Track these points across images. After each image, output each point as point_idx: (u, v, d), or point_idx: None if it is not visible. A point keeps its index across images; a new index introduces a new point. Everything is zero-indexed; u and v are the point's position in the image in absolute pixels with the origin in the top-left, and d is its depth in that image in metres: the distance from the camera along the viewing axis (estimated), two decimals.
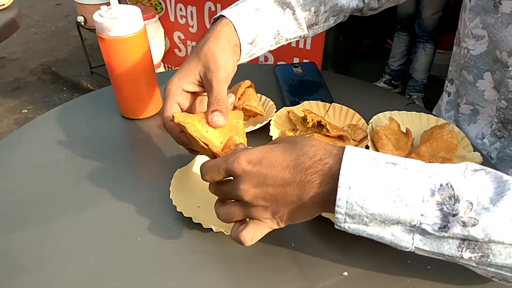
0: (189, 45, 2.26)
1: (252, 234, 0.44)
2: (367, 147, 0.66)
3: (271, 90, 0.82)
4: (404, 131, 0.68)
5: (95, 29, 0.69)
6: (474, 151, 0.64)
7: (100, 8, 0.68)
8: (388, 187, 0.37)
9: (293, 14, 0.65)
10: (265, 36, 0.63)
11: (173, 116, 0.49)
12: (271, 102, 0.76)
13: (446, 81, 0.83)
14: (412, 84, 2.28)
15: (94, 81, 2.78)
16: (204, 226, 0.53)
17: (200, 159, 0.64)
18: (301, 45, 1.94)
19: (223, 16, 0.59)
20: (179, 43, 2.29)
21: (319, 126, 0.67)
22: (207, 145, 0.49)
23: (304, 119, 0.70)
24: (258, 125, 0.69)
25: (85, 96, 0.85)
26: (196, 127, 0.50)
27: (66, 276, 0.50)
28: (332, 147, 0.42)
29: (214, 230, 0.52)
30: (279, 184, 0.41)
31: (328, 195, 0.40)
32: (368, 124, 0.69)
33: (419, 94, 2.28)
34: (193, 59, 0.55)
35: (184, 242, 0.54)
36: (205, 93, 0.55)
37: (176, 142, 0.55)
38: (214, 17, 0.60)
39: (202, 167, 0.46)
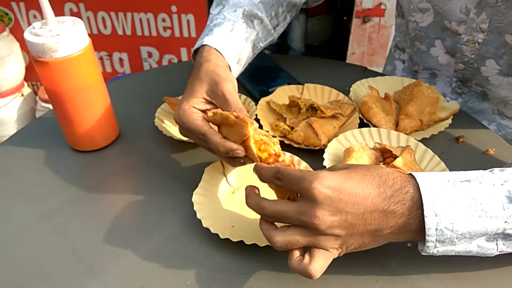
0: None
1: (322, 266, 0.40)
2: (360, 119, 0.66)
3: None
4: (383, 96, 0.70)
5: None
6: None
7: (32, 26, 0.54)
8: (471, 204, 0.39)
9: (261, 23, 0.67)
10: (246, 52, 0.64)
11: (206, 113, 0.51)
12: (244, 96, 0.71)
13: (397, 50, 0.89)
14: (292, 54, 2.39)
15: None
16: (260, 246, 0.48)
17: (207, 177, 0.57)
18: (185, 34, 1.87)
19: (205, 44, 0.59)
20: None
21: (311, 109, 0.66)
22: (245, 122, 0.46)
23: (290, 106, 0.67)
24: None
25: (9, 141, 0.68)
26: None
27: None
28: (404, 175, 0.41)
29: (261, 246, 0.48)
30: (360, 212, 0.39)
31: (410, 224, 0.40)
32: (349, 98, 0.70)
33: None
34: (194, 81, 0.54)
35: (241, 268, 0.48)
36: (214, 109, 0.53)
37: (219, 151, 0.49)
38: (194, 48, 0.60)
39: (275, 170, 0.43)
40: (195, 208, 0.52)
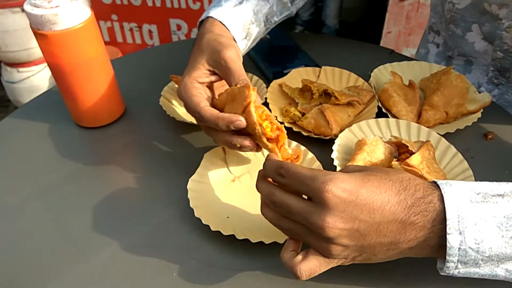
0: None
1: (312, 270, 0.36)
2: (378, 108, 0.61)
3: (244, 64, 0.72)
4: (407, 84, 0.64)
5: None
6: None
7: None
8: (502, 223, 0.34)
9: None
10: (257, 27, 0.61)
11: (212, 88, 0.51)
12: (255, 77, 0.67)
13: (431, 32, 0.81)
14: (325, 31, 2.30)
15: None
16: (252, 242, 0.44)
17: (206, 163, 0.54)
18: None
19: (210, 16, 0.55)
20: None
21: (325, 95, 0.61)
22: (247, 86, 0.45)
23: (302, 90, 0.63)
24: None
25: (19, 112, 0.67)
26: None
27: None
28: (427, 182, 0.36)
29: (266, 243, 0.45)
30: (375, 221, 0.34)
31: (430, 239, 0.35)
32: (369, 83, 0.65)
33: None
34: (196, 53, 0.52)
35: (229, 263, 0.45)
36: (219, 81, 0.51)
37: (217, 128, 0.47)
38: (200, 19, 0.58)
39: (279, 164, 0.37)
40: (189, 196, 0.49)
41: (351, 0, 2.30)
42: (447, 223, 0.34)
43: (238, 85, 0.47)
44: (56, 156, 0.59)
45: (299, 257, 0.37)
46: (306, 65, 0.70)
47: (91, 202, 0.52)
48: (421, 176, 0.47)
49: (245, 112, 0.45)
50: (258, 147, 0.50)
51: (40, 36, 0.53)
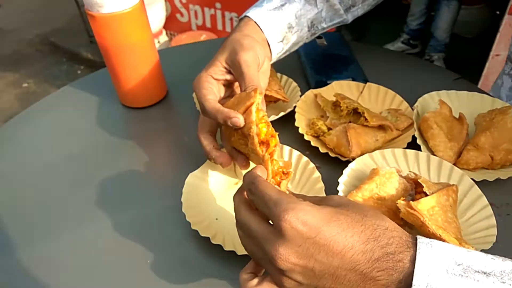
0: (191, 9, 2.11)
1: None
2: (413, 137, 0.55)
3: (291, 68, 0.71)
4: (457, 116, 0.57)
5: None
6: None
7: None
8: None
9: (327, 2, 0.59)
10: (298, 31, 0.58)
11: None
12: (294, 84, 0.65)
13: (508, 62, 0.71)
14: (433, 43, 2.12)
15: (94, 51, 2.65)
16: (225, 249, 0.44)
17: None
18: None
19: (246, 16, 0.54)
20: (180, 7, 2.14)
21: (355, 113, 0.57)
22: (254, 90, 0.44)
23: (335, 105, 0.59)
24: (281, 114, 0.58)
25: (79, 82, 0.74)
26: None
27: None
28: (409, 236, 0.32)
29: (238, 253, 0.43)
30: (332, 265, 0.31)
31: None
32: (412, 109, 0.59)
33: (440, 55, 2.13)
34: (219, 50, 0.51)
35: (200, 265, 0.45)
36: (236, 81, 0.51)
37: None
38: (239, 18, 0.57)
39: (252, 178, 0.36)
40: (183, 189, 0.50)
41: (469, 14, 2.08)
42: None
43: (247, 91, 0.46)
44: (93, 128, 0.64)
45: (255, 281, 0.35)
46: (353, 79, 0.66)
47: (105, 175, 0.56)
48: (423, 224, 0.41)
49: (246, 112, 0.44)
50: (246, 163, 0.48)
51: (90, 16, 0.57)
